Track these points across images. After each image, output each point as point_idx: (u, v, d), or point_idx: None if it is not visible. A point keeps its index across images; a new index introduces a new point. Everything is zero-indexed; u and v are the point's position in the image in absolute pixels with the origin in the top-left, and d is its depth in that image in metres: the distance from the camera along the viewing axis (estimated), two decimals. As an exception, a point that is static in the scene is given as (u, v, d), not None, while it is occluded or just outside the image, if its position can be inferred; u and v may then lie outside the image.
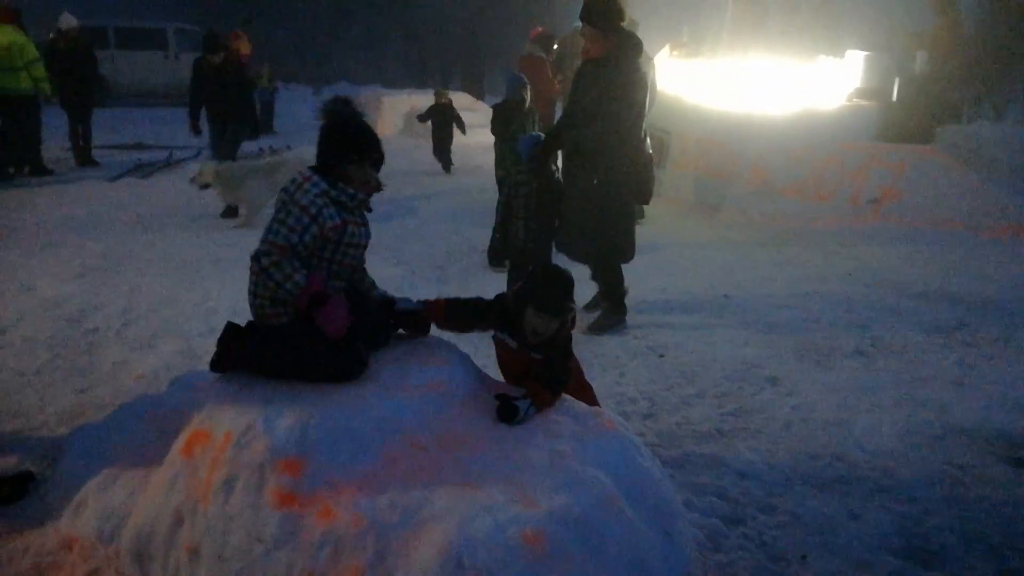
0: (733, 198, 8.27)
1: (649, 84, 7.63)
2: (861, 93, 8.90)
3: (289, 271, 2.50)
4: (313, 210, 2.54)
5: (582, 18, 4.46)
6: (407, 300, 2.94)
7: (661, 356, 4.51)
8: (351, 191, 2.66)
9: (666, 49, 11.18)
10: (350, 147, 2.68)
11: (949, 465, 3.37)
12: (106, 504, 2.55)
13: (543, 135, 5.27)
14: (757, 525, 2.92)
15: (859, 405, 3.95)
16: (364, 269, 2.94)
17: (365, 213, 2.80)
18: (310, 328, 2.54)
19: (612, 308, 4.96)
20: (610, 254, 4.85)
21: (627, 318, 5.02)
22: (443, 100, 11.04)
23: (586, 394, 3.06)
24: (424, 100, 14.58)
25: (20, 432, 3.48)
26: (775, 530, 2.91)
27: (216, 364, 2.70)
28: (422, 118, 11.14)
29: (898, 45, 9.77)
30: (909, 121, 8.45)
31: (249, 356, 2.64)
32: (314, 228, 2.54)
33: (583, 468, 2.36)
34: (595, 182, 4.54)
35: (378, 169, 2.81)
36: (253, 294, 2.66)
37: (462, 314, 2.89)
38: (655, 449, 3.32)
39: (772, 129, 8.52)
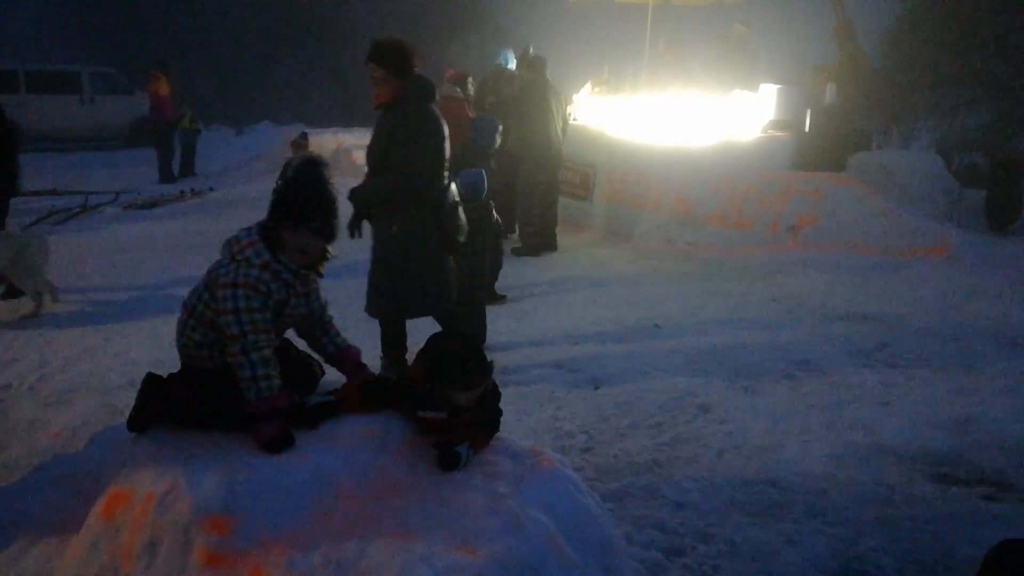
0: (658, 228, 8.44)
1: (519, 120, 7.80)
2: (776, 125, 9.23)
3: (273, 371, 2.43)
4: (263, 287, 2.45)
5: (371, 59, 4.19)
6: (319, 395, 2.72)
7: (596, 388, 4.53)
8: (287, 264, 2.53)
9: (588, 86, 11.43)
10: (286, 212, 2.51)
11: (879, 485, 3.46)
12: (21, 573, 2.40)
13: (482, 172, 5.32)
14: (697, 556, 2.94)
15: (789, 429, 4.04)
16: (328, 323, 2.86)
17: (312, 278, 2.70)
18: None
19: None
20: (411, 307, 4.37)
21: (561, 350, 5.04)
22: (304, 149, 9.49)
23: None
24: (351, 139, 14.53)
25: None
26: (715, 560, 2.93)
27: (133, 422, 2.57)
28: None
29: (808, 78, 10.22)
30: (822, 150, 8.78)
31: (172, 405, 2.54)
32: (268, 303, 2.49)
33: (523, 510, 2.33)
34: (393, 231, 4.20)
35: (326, 238, 2.60)
36: (181, 333, 2.59)
37: (378, 396, 2.70)
38: (594, 483, 3.31)
39: (693, 160, 8.76)
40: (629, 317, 5.95)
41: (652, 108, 9.87)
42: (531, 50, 8.92)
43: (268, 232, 2.53)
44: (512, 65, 9.16)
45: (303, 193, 2.52)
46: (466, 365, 2.56)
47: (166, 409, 2.56)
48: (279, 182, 2.56)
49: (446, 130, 4.28)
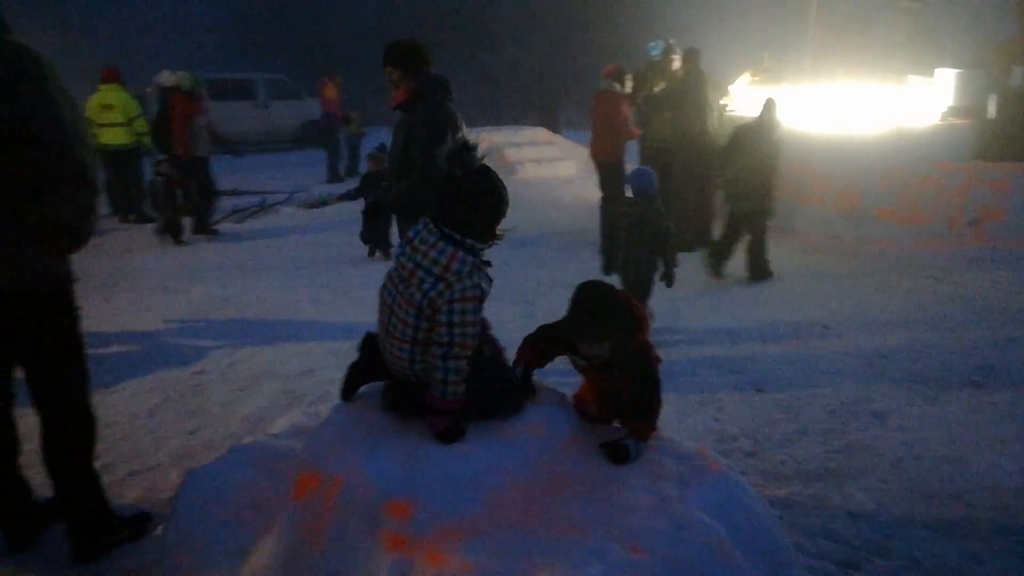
0: (822, 222, 8.07)
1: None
2: (955, 111, 8.60)
3: (462, 381, 2.47)
4: (479, 293, 2.46)
5: (388, 62, 4.07)
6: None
7: (759, 391, 4.40)
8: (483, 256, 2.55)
9: (745, 76, 11.08)
10: (502, 213, 2.55)
11: (1079, 504, 3.17)
12: (222, 545, 2.63)
13: (650, 170, 5.35)
14: (873, 570, 2.81)
15: (974, 440, 3.77)
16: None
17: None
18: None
19: None
20: None
21: (721, 350, 4.92)
22: (381, 166, 8.21)
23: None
24: (501, 137, 14.78)
25: (136, 473, 3.63)
26: (892, 574, 2.78)
27: (345, 392, 2.74)
28: (352, 195, 8.26)
29: (991, 60, 9.43)
30: (1009, 138, 8.10)
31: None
32: (480, 308, 2.49)
33: (691, 512, 2.31)
34: None
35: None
36: (411, 362, 2.53)
37: (548, 349, 2.80)
38: (760, 489, 3.22)
39: (861, 151, 8.30)
40: (793, 316, 5.74)
41: (816, 97, 9.43)
42: (672, 42, 8.76)
43: (464, 228, 2.50)
44: (673, 58, 9.02)
45: (503, 196, 2.54)
46: (576, 315, 2.57)
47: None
48: (462, 191, 2.50)
49: (462, 125, 4.15)
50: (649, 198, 5.21)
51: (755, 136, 6.62)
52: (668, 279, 5.17)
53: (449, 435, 2.49)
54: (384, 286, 2.60)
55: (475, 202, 2.49)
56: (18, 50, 2.58)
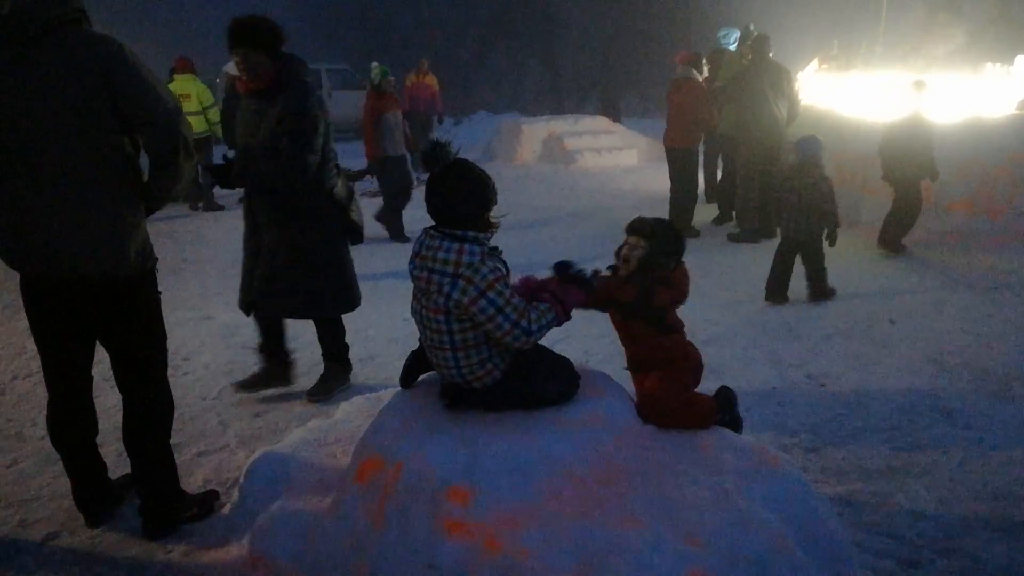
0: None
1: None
2: (1034, 100, 8.25)
3: (541, 316, 2.50)
4: (502, 274, 2.48)
5: (242, 42, 3.76)
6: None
7: (822, 386, 4.33)
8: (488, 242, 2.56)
9: (814, 63, 10.82)
10: (489, 199, 2.54)
11: None
12: (288, 525, 2.72)
13: (817, 137, 5.74)
14: (936, 570, 2.75)
15: (1047, 441, 3.65)
16: None
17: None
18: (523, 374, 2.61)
19: (339, 368, 4.44)
20: (325, 306, 4.24)
21: (782, 343, 4.85)
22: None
23: (689, 412, 2.74)
24: (562, 126, 14.75)
25: (205, 453, 3.77)
26: (956, 575, 2.72)
27: (404, 380, 2.85)
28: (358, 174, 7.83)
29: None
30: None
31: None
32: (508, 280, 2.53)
33: (750, 507, 2.30)
34: (294, 225, 4.04)
35: None
36: (458, 367, 2.55)
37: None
38: (820, 485, 3.19)
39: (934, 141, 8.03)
40: (859, 310, 5.61)
41: (887, 86, 9.15)
42: (751, 28, 8.59)
43: (463, 224, 2.50)
44: (734, 46, 8.88)
45: (486, 182, 2.55)
46: (641, 217, 2.87)
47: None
48: (444, 188, 2.51)
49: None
50: (814, 163, 5.66)
51: (910, 122, 6.85)
52: (831, 239, 5.66)
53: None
54: (412, 307, 2.61)
55: (459, 195, 2.49)
56: (107, 41, 2.67)
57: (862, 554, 2.76)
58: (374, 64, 8.65)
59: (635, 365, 2.92)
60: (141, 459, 3.05)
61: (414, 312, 2.61)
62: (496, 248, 2.56)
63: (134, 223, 2.83)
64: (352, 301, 4.34)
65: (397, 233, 8.49)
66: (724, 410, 2.91)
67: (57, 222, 2.68)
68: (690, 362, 2.85)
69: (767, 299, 5.83)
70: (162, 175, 2.82)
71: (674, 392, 2.75)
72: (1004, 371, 4.45)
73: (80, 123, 2.62)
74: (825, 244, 5.72)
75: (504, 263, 2.54)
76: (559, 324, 2.60)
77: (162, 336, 3.07)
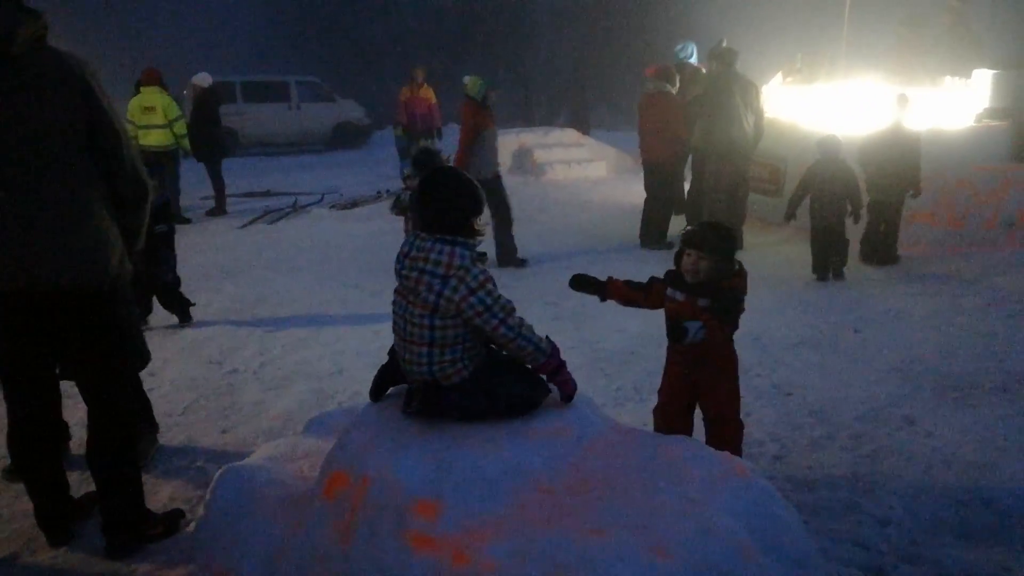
0: (855, 226, 7.97)
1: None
2: (991, 113, 8.46)
3: (531, 332, 2.58)
4: (490, 277, 2.56)
5: None
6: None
7: (788, 395, 4.38)
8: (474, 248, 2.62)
9: (778, 76, 10.98)
10: (478, 205, 2.63)
11: (1115, 514, 3.12)
12: (254, 543, 2.69)
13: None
14: (901, 576, 2.79)
15: (1007, 446, 3.72)
16: None
17: None
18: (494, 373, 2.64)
19: (148, 428, 3.97)
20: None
21: (749, 353, 4.89)
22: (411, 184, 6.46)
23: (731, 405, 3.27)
24: (532, 138, 14.81)
25: (169, 470, 3.72)
26: (921, 582, 2.76)
27: (374, 394, 2.84)
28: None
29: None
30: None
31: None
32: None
33: (716, 516, 2.31)
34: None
35: None
36: (429, 364, 2.56)
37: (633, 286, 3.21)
38: (787, 494, 3.21)
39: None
40: (823, 320, 5.69)
41: (850, 98, 9.32)
42: (724, 43, 8.69)
43: (452, 230, 2.57)
44: (695, 59, 8.97)
45: (475, 190, 2.65)
46: (696, 227, 3.11)
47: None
48: (433, 194, 2.59)
49: None
50: (834, 158, 6.63)
51: (892, 134, 7.09)
52: (856, 217, 6.70)
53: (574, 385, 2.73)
54: (395, 302, 2.65)
55: (449, 200, 2.58)
56: (68, 59, 2.69)
57: (828, 562, 2.78)
58: (469, 77, 7.84)
59: (692, 360, 3.18)
60: (107, 478, 3.00)
61: (395, 305, 2.65)
62: (483, 254, 2.61)
63: (114, 233, 2.84)
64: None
65: (509, 256, 7.65)
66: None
67: (40, 236, 2.67)
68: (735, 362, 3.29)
69: (817, 279, 6.80)
70: (135, 215, 2.92)
71: (738, 404, 3.22)
72: (966, 379, 4.53)
73: (63, 137, 2.64)
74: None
75: (487, 270, 2.61)
76: (544, 369, 2.66)
77: (134, 348, 3.04)
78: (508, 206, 7.66)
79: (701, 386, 3.23)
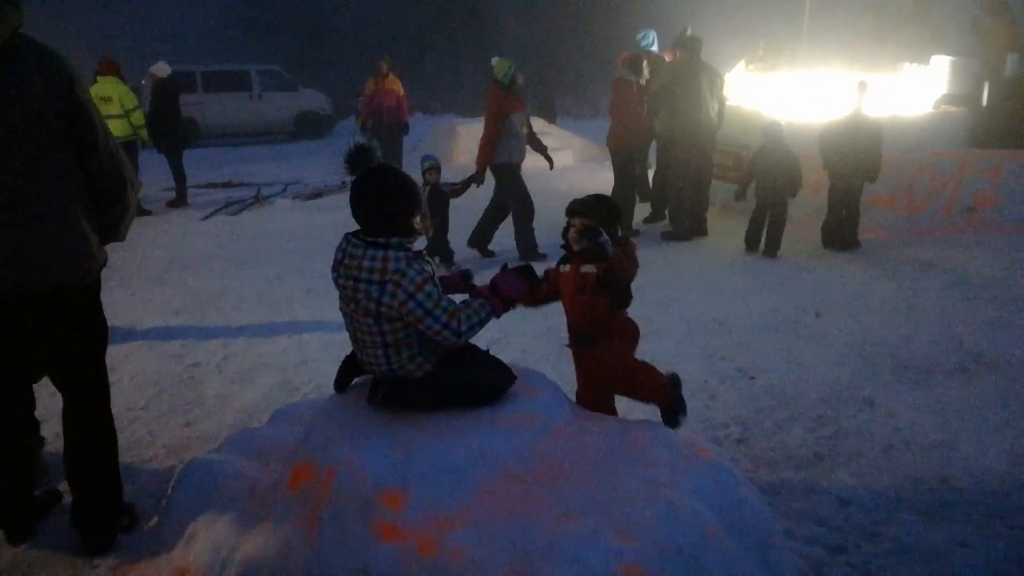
0: (817, 211, 8.07)
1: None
2: (949, 99, 8.61)
3: (474, 315, 2.50)
4: (429, 275, 2.47)
5: None
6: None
7: (752, 379, 4.43)
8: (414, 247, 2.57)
9: (741, 64, 11.06)
10: (415, 204, 2.55)
11: (1066, 489, 3.20)
12: (217, 536, 2.66)
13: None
14: (862, 554, 2.84)
15: (963, 426, 3.81)
16: None
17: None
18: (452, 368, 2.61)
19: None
20: None
21: (713, 338, 4.94)
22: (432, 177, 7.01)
23: (637, 379, 3.01)
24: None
25: (132, 465, 3.65)
26: (881, 559, 2.82)
27: (338, 384, 2.81)
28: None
29: (984, 48, 9.44)
30: (1003, 126, 8.12)
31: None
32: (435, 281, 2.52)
33: (681, 499, 2.34)
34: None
35: None
36: (387, 363, 2.54)
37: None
38: (750, 475, 3.26)
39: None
40: (786, 304, 5.76)
41: (811, 85, 9.43)
42: (688, 31, 8.72)
43: (388, 231, 2.50)
44: (655, 47, 8.98)
45: (412, 187, 2.56)
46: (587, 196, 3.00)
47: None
48: (367, 194, 2.51)
49: None
50: (778, 143, 7.02)
51: (852, 121, 7.14)
52: (793, 191, 7.12)
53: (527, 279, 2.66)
54: (341, 308, 2.61)
55: (383, 201, 2.49)
56: (47, 50, 2.63)
57: (791, 541, 2.83)
58: (496, 58, 7.41)
59: (583, 340, 3.00)
60: (88, 475, 2.95)
61: (343, 313, 2.60)
62: (420, 252, 2.55)
63: (93, 227, 2.81)
64: None
65: (530, 250, 7.22)
66: (676, 387, 3.11)
67: (30, 235, 2.62)
68: (632, 333, 3.05)
69: (747, 250, 7.33)
70: (114, 210, 2.87)
71: (621, 359, 2.98)
72: (925, 361, 4.62)
73: (43, 130, 2.59)
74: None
75: (430, 263, 2.55)
76: (498, 316, 2.60)
77: (105, 346, 3.02)
78: (528, 196, 7.35)
79: (598, 364, 3.03)
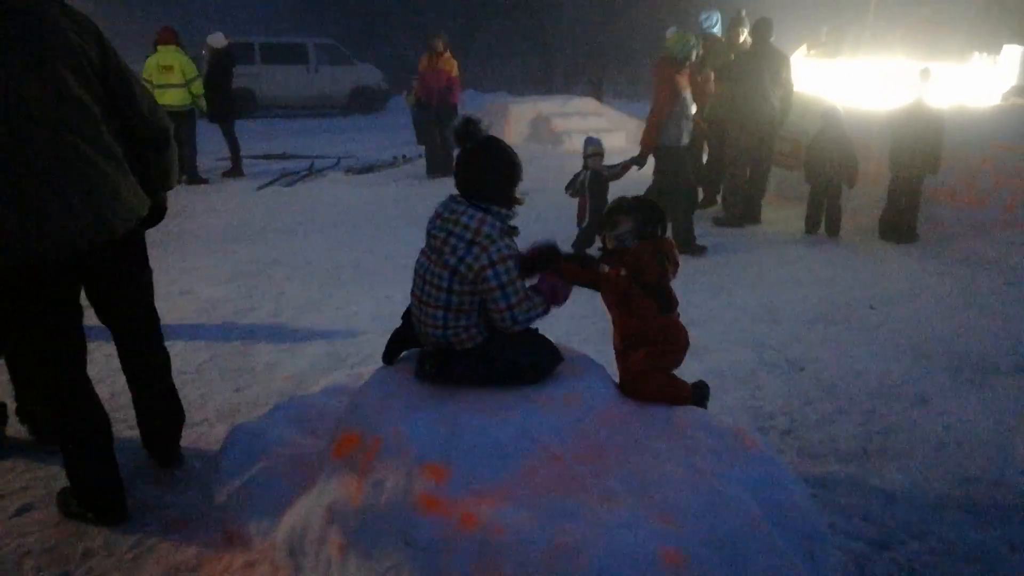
0: (876, 202, 7.88)
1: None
2: (1019, 91, 8.30)
3: (532, 310, 2.62)
4: (514, 253, 2.57)
5: None
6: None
7: (801, 370, 4.36)
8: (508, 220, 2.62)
9: (803, 48, 10.80)
10: (517, 175, 2.64)
11: None
12: (264, 500, 2.72)
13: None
14: (907, 552, 2.79)
15: (1020, 427, 3.70)
16: None
17: None
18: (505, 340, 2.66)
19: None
20: None
21: (762, 328, 4.87)
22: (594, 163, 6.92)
23: (663, 395, 2.77)
24: (550, 107, 14.67)
25: (184, 426, 3.74)
26: (927, 556, 2.77)
27: (387, 356, 2.89)
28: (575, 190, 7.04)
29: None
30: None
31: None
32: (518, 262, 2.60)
33: (725, 488, 2.32)
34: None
35: None
36: (444, 327, 2.60)
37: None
38: (795, 467, 3.22)
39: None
40: (839, 297, 5.65)
41: (874, 73, 9.17)
42: (743, 13, 8.53)
43: (492, 200, 2.60)
44: (718, 30, 8.80)
45: (515, 160, 2.66)
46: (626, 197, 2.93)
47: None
48: (474, 163, 2.62)
49: None
50: (836, 127, 7.18)
51: (914, 110, 7.05)
52: (851, 182, 7.29)
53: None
54: (419, 260, 2.69)
55: (488, 170, 2.60)
56: (67, 6, 2.71)
57: (836, 536, 2.79)
58: (672, 30, 6.86)
59: (627, 344, 2.91)
60: (156, 400, 3.23)
61: (419, 265, 2.67)
62: (515, 228, 2.64)
63: (131, 175, 2.88)
64: None
65: (687, 241, 6.69)
66: (700, 399, 2.92)
67: (98, 186, 2.68)
68: (677, 345, 2.86)
69: (807, 231, 7.50)
70: (164, 155, 2.98)
71: (656, 372, 2.79)
72: (980, 359, 4.50)
73: (91, 85, 2.67)
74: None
75: (515, 244, 2.62)
76: (547, 313, 2.71)
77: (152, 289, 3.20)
78: (693, 183, 6.95)
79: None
